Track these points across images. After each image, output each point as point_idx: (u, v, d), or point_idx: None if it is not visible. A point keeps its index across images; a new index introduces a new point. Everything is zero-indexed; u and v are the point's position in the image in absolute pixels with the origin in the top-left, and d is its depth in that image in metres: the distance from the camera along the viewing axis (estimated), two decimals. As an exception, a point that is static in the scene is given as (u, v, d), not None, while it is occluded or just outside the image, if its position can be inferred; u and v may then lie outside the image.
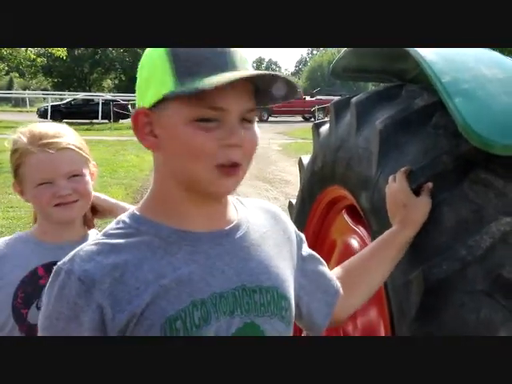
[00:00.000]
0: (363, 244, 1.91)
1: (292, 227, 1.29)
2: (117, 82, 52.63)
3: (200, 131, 1.01)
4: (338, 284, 1.35)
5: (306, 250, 1.32)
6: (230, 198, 1.17)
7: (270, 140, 19.91)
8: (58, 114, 27.91)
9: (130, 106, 30.22)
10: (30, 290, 1.52)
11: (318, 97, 33.48)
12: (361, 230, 1.95)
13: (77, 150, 1.56)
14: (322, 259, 1.36)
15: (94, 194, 1.63)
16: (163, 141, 1.05)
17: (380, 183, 1.62)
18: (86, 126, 25.65)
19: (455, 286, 1.38)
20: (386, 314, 1.62)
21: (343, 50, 2.08)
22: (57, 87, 47.72)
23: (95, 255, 1.02)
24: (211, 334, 1.03)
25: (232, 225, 1.13)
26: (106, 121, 27.66)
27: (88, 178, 1.59)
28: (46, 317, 1.04)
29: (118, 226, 1.08)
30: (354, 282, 1.39)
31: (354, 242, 2.00)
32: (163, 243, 1.05)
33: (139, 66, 1.10)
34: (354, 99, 1.87)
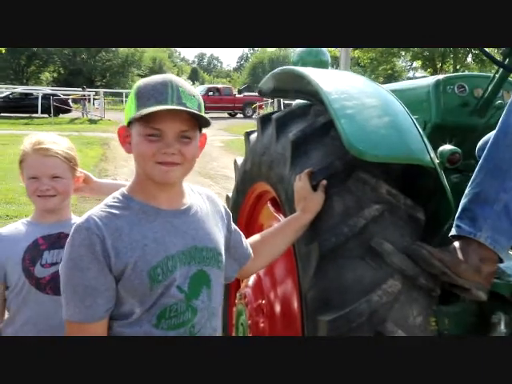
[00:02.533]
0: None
1: (223, 208, 1.87)
2: (55, 75, 51.81)
3: (146, 142, 1.58)
4: (250, 251, 1.95)
5: (232, 225, 1.90)
6: (185, 187, 1.73)
7: (213, 137, 20.40)
8: (-4, 107, 27.61)
9: (70, 101, 30.03)
10: (34, 253, 2.05)
11: (246, 93, 34.45)
12: (280, 217, 2.53)
13: (62, 158, 2.07)
14: (241, 232, 1.94)
15: (100, 181, 2.28)
16: (133, 147, 1.62)
17: (292, 180, 2.20)
18: (25, 120, 25.43)
19: (341, 253, 1.96)
20: (295, 272, 2.21)
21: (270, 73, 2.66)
22: (-7, 80, 46.65)
23: (103, 219, 1.55)
24: (178, 275, 1.59)
25: (186, 206, 1.70)
26: (46, 115, 27.44)
27: (69, 181, 2.11)
28: (70, 259, 1.53)
29: (114, 200, 1.63)
30: (262, 249, 2.00)
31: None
32: (145, 215, 1.61)
33: None
34: (274, 115, 2.44)
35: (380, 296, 1.88)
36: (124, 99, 37.45)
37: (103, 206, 1.61)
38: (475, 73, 3.00)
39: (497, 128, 2.02)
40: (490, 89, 2.77)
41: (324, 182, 2.06)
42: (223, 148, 18.25)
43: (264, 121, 2.60)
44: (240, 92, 34.81)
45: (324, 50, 3.83)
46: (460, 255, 1.92)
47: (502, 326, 2.23)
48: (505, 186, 1.95)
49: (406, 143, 1.98)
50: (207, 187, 2.16)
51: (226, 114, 34.34)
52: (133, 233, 1.56)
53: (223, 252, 1.76)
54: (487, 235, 1.94)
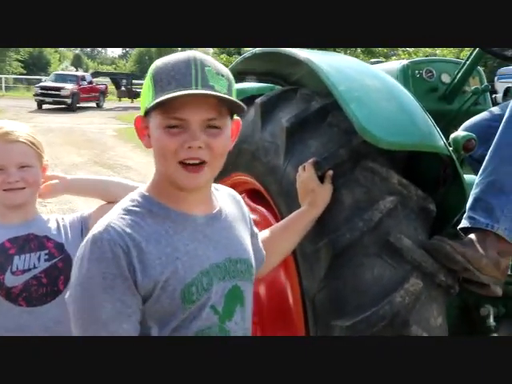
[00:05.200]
0: (261, 220, 2.25)
1: (247, 210, 1.61)
2: None
3: (166, 135, 1.29)
4: (264, 253, 1.69)
5: (253, 228, 1.65)
6: (212, 187, 1.45)
7: (104, 125, 19.64)
8: None
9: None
10: (2, 259, 1.70)
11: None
12: (261, 210, 2.30)
13: (29, 143, 1.72)
14: (258, 233, 1.69)
15: (72, 177, 1.91)
16: (152, 141, 1.33)
17: (288, 171, 1.98)
18: None
19: (355, 250, 1.78)
20: (295, 275, 2.00)
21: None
22: None
23: (126, 228, 1.26)
24: (213, 293, 1.32)
25: (216, 210, 1.43)
26: None
27: (38, 170, 1.76)
28: (88, 278, 1.23)
29: (134, 203, 1.33)
30: (273, 247, 1.75)
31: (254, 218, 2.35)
32: (172, 224, 1.32)
33: None
34: (258, 100, 2.20)
35: (403, 297, 1.72)
36: (4, 85, 35.24)
37: (121, 211, 1.31)
38: (441, 57, 2.92)
39: (508, 112, 1.91)
40: (460, 74, 2.70)
41: (330, 172, 1.87)
42: (117, 137, 17.57)
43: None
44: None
45: None
46: (480, 249, 1.80)
47: (491, 319, 2.16)
48: None
49: (419, 129, 1.84)
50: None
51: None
52: (161, 245, 1.28)
53: (254, 262, 1.51)
54: (505, 227, 1.83)
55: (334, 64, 2.02)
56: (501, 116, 2.34)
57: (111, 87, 34.58)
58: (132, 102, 31.11)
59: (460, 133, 1.89)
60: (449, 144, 1.87)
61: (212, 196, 1.45)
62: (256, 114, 2.18)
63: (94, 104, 29.59)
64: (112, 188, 1.86)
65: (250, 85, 2.73)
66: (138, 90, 28.99)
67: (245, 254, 1.46)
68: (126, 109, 27.94)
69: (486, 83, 2.84)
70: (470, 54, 2.62)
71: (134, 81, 33.04)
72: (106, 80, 34.77)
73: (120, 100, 33.03)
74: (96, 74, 34.88)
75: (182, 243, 1.31)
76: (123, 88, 32.52)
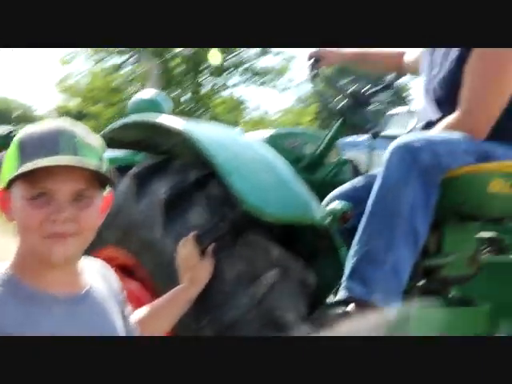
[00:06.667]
0: (135, 297, 2.12)
1: (119, 288, 1.49)
2: None
3: (30, 208, 1.19)
4: (138, 334, 1.58)
5: (126, 307, 1.52)
6: (80, 263, 1.33)
7: None
8: None
9: None
10: None
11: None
12: (133, 286, 2.17)
13: None
14: (132, 312, 1.58)
15: None
16: (13, 214, 1.22)
17: (166, 245, 1.89)
18: None
19: (240, 327, 1.72)
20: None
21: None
22: None
23: None
24: None
25: (85, 290, 1.30)
26: None
27: None
28: None
29: None
30: (149, 326, 1.64)
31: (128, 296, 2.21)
32: (37, 305, 1.20)
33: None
34: (131, 171, 2.11)
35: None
36: None
37: None
38: (305, 129, 3.05)
39: (377, 185, 2.00)
40: (323, 145, 2.81)
41: (212, 246, 1.81)
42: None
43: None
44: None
45: (164, 97, 3.58)
46: (358, 320, 1.83)
47: None
48: (391, 245, 1.93)
49: (299, 201, 1.87)
50: None
51: None
52: (25, 328, 1.16)
53: None
54: (380, 297, 1.89)
55: (210, 135, 2.01)
56: (364, 186, 2.46)
57: None
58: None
59: (337, 204, 1.94)
60: (326, 215, 1.91)
61: (81, 273, 1.33)
62: (129, 185, 2.09)
63: None
64: None
65: (121, 154, 2.63)
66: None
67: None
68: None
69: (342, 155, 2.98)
70: (333, 126, 2.74)
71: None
72: None
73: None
74: None
75: (46, 325, 1.19)
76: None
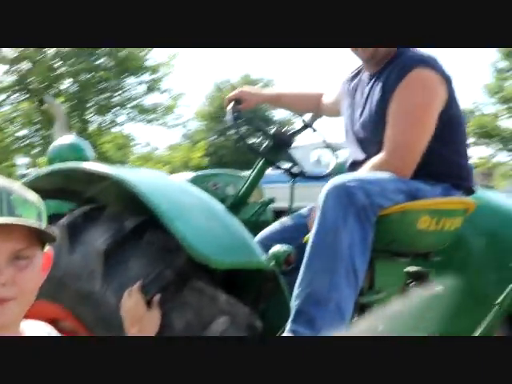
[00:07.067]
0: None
1: None
2: None
3: None
4: None
5: None
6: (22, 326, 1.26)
7: None
8: None
9: None
10: None
11: None
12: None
13: None
14: None
15: None
16: None
17: (107, 297, 1.81)
18: None
19: None
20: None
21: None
22: None
23: None
24: None
25: None
26: None
27: None
28: None
29: None
30: None
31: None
32: None
33: None
34: (61, 221, 2.01)
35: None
36: None
37: None
38: (226, 170, 3.06)
39: (316, 226, 2.04)
40: (246, 186, 2.83)
41: (158, 296, 1.76)
42: None
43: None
44: None
45: (87, 145, 3.43)
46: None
47: None
48: (333, 285, 1.96)
49: (244, 246, 1.87)
50: None
51: None
52: None
53: None
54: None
55: (146, 180, 1.97)
56: (294, 226, 2.50)
57: None
58: None
59: (280, 247, 1.95)
60: (270, 259, 1.92)
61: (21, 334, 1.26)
62: (61, 236, 1.98)
63: None
64: None
65: (47, 203, 2.49)
66: None
67: None
68: None
69: (265, 196, 3.02)
70: (255, 166, 2.77)
71: None
72: None
73: None
74: None
75: None
76: None
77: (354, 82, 2.53)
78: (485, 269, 2.51)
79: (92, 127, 18.79)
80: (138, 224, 1.92)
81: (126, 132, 20.11)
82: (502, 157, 23.84)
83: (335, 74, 78.93)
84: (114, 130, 19.70)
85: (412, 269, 2.36)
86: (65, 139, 3.46)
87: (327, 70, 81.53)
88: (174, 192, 1.95)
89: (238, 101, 2.74)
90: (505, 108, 29.49)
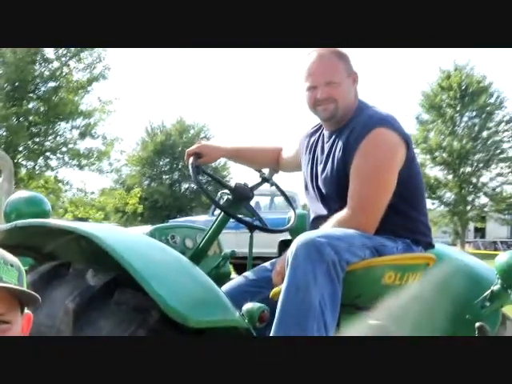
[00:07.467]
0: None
1: None
2: None
3: None
4: None
5: None
6: None
7: None
8: None
9: None
10: None
11: None
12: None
13: None
14: None
15: None
16: None
17: (77, 359, 1.74)
18: None
19: None
20: None
21: None
22: None
23: None
24: None
25: None
26: None
27: None
28: None
29: None
30: None
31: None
32: None
33: None
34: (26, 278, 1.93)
35: None
36: None
37: None
38: (183, 222, 3.04)
39: (286, 282, 2.04)
40: (206, 239, 2.81)
41: None
42: None
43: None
44: None
45: (44, 199, 3.32)
46: None
47: None
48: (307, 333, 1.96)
49: (219, 304, 1.85)
50: None
51: None
52: None
53: None
54: None
55: (112, 235, 1.92)
56: (258, 280, 2.50)
57: None
58: None
59: (254, 305, 1.94)
60: (243, 316, 1.90)
61: None
62: (25, 293, 1.91)
63: None
64: None
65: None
66: None
67: None
68: None
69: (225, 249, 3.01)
70: (216, 220, 2.76)
71: None
72: None
73: None
74: None
75: None
76: None
77: (314, 138, 2.59)
78: (442, 321, 2.57)
79: (23, 172, 18.29)
80: (107, 282, 1.88)
81: (58, 177, 19.70)
82: (428, 205, 24.75)
83: (268, 124, 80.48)
84: (46, 174, 19.27)
85: (374, 323, 2.39)
86: (21, 193, 3.38)
87: (260, 119, 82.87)
88: (143, 248, 1.92)
89: (198, 155, 2.74)
90: (428, 158, 30.90)
